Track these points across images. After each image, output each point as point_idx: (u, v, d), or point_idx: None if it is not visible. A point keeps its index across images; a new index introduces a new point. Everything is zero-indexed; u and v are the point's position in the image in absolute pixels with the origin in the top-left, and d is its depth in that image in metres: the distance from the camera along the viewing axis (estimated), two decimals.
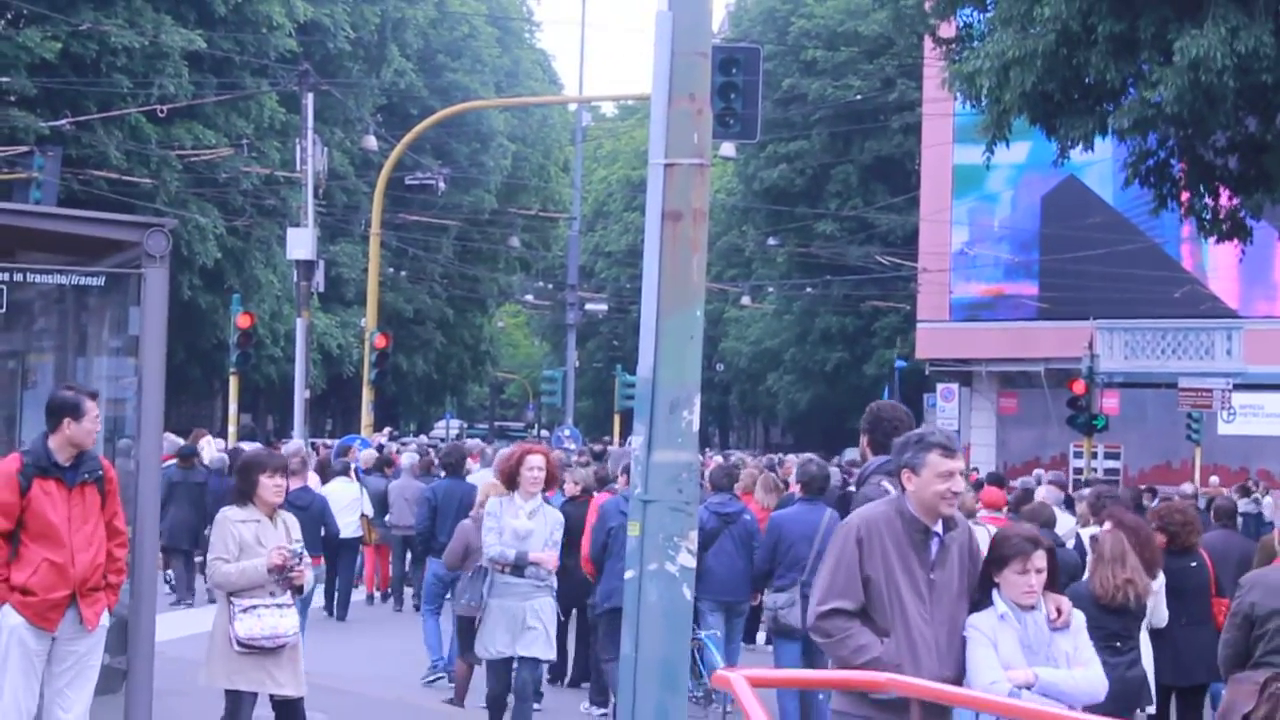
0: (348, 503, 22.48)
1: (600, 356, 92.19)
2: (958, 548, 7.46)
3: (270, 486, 11.07)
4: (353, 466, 24.80)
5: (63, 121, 40.05)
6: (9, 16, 43.76)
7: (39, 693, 9.77)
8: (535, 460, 12.97)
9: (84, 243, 10.80)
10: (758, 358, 78.59)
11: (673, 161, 10.04)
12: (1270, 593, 9.14)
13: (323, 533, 17.07)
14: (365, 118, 56.33)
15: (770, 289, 75.15)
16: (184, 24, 45.97)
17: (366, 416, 35.70)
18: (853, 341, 69.32)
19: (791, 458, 34.68)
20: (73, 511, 9.71)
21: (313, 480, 19.88)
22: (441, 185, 52.78)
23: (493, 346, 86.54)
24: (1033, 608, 7.41)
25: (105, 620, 9.92)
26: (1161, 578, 11.53)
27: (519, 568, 12.78)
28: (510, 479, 13.05)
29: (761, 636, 17.82)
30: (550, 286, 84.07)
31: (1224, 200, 22.69)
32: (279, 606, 10.84)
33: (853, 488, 10.79)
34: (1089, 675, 7.42)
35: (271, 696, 11.07)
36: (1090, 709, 7.19)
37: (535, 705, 13.53)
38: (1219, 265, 47.18)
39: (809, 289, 69.66)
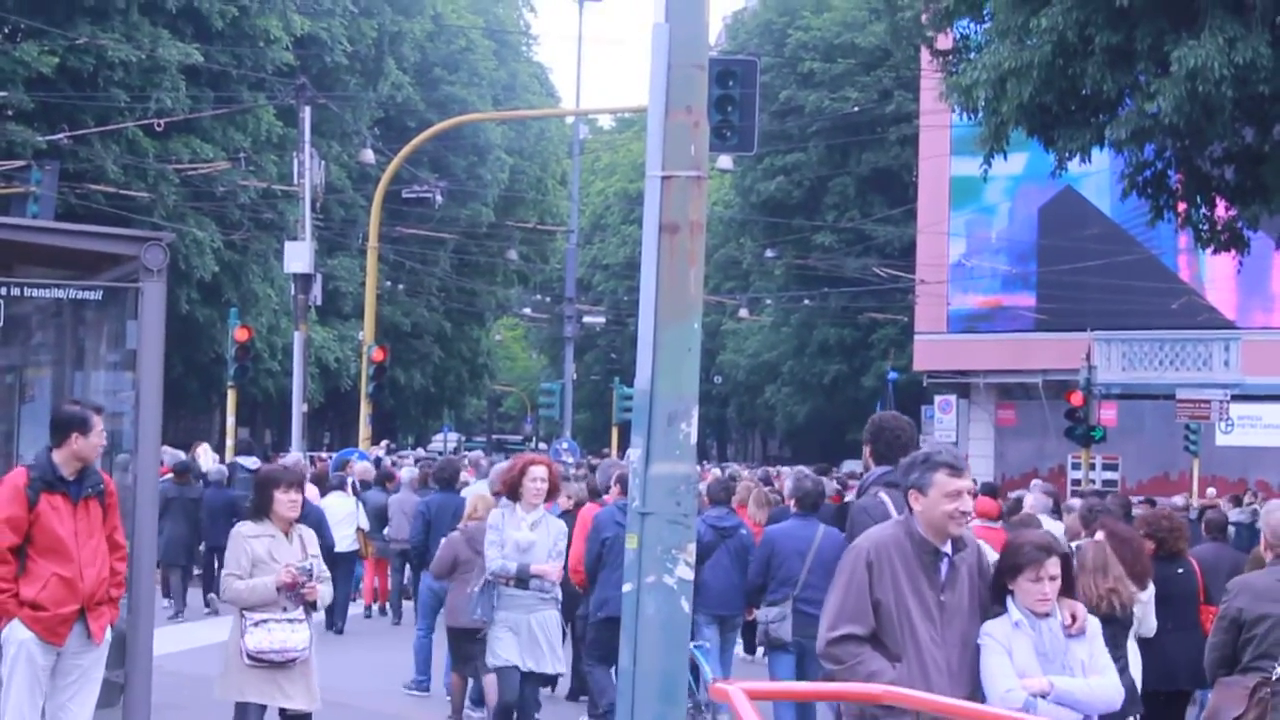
0: (343, 516, 22.51)
1: (598, 369, 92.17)
2: (967, 568, 7.38)
3: (285, 501, 11.06)
4: (349, 481, 24.81)
5: (60, 136, 40.02)
6: (6, 31, 43.80)
7: (41, 708, 9.77)
8: (538, 471, 12.90)
9: (81, 257, 10.79)
10: (756, 370, 78.58)
11: (670, 174, 10.03)
12: (1257, 598, 9.16)
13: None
14: (362, 131, 56.34)
15: (768, 301, 75.19)
16: (181, 38, 45.95)
17: (364, 430, 35.68)
18: (851, 353, 69.32)
19: (786, 470, 34.67)
20: (79, 526, 9.72)
21: (311, 493, 19.90)
22: (439, 198, 52.75)
23: (490, 359, 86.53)
24: (1047, 615, 7.35)
25: (108, 634, 9.94)
26: (1151, 588, 11.51)
27: (522, 580, 12.74)
28: (512, 490, 12.96)
29: (761, 649, 17.82)
30: (548, 299, 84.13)
31: (1220, 211, 22.71)
32: (290, 621, 10.84)
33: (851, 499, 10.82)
34: (1105, 683, 7.36)
35: (282, 710, 11.07)
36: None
37: (536, 717, 13.51)
38: (1216, 276, 47.21)
39: (807, 301, 69.68)
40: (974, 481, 8.62)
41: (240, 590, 10.86)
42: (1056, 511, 18.98)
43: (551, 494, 13.29)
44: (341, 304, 60.58)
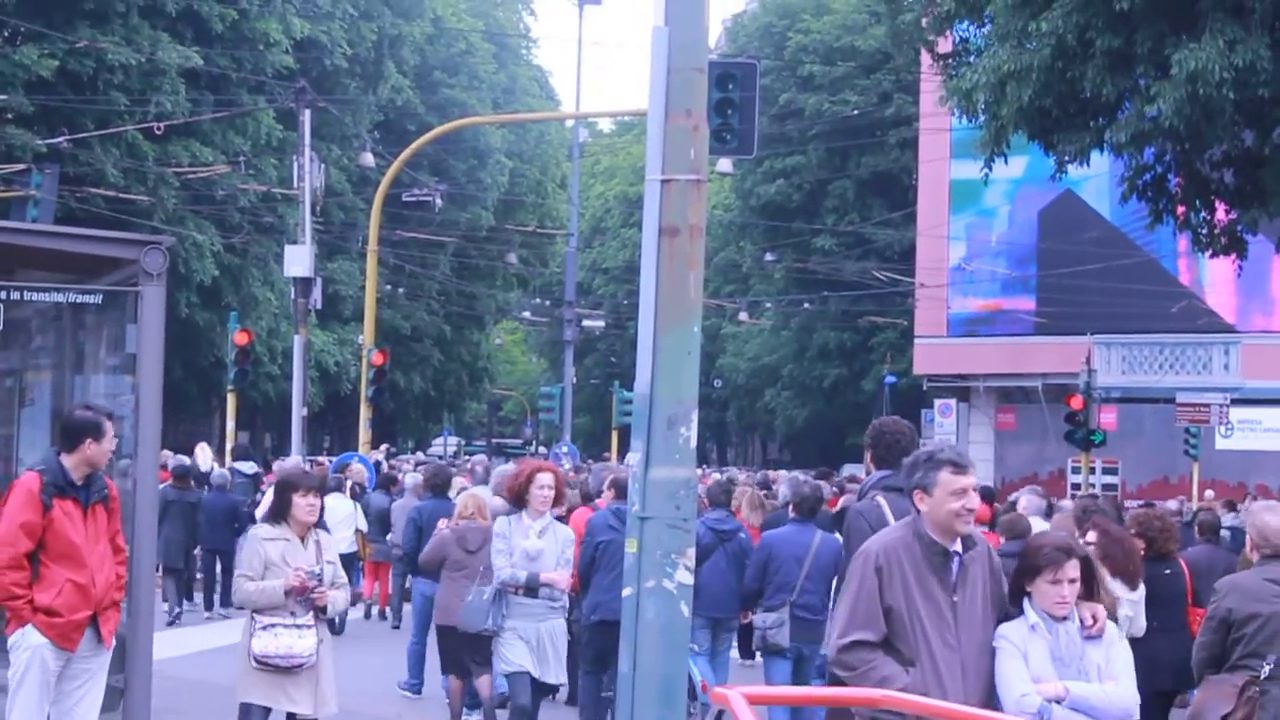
0: (342, 518, 22.53)
1: (598, 373, 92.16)
2: (979, 567, 7.30)
3: (304, 506, 11.08)
4: (348, 484, 24.83)
5: (60, 139, 40.02)
6: (5, 34, 43.77)
7: (47, 713, 9.77)
8: (545, 478, 12.85)
9: (81, 261, 10.78)
10: (755, 374, 78.56)
11: (670, 177, 10.03)
12: (1246, 597, 9.21)
13: None
14: (362, 134, 56.32)
15: (768, 305, 75.15)
16: (181, 41, 45.98)
17: (364, 434, 35.64)
18: (851, 357, 69.31)
19: (782, 474, 34.64)
20: (89, 531, 9.71)
21: None
22: (438, 202, 52.75)
23: (490, 363, 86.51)
24: (1065, 619, 7.26)
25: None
26: (1142, 588, 11.52)
27: (532, 589, 12.71)
28: (519, 497, 12.93)
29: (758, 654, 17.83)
30: (548, 303, 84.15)
31: (1220, 215, 22.70)
32: (298, 627, 10.85)
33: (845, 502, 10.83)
34: (1121, 690, 7.27)
35: (290, 715, 11.10)
36: None
37: None
38: (1216, 280, 47.17)
39: (806, 305, 69.67)
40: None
41: (250, 592, 10.90)
42: (1049, 515, 18.99)
43: (558, 501, 13.27)
44: (341, 307, 60.60)
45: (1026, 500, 19.04)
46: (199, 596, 25.15)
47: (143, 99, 44.29)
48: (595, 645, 13.64)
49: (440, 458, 53.44)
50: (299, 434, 35.65)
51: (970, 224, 52.53)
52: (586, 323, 73.58)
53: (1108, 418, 41.65)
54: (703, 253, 10.24)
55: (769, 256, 69.87)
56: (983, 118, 21.07)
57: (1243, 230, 22.58)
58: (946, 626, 7.15)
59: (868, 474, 9.46)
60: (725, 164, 49.65)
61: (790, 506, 15.62)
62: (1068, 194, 46.63)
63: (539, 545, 12.75)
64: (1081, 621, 7.33)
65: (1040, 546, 7.39)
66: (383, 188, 38.18)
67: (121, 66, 43.78)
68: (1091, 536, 10.99)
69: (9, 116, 42.19)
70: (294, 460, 29.90)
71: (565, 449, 48.78)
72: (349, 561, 23.13)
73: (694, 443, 10.00)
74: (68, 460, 9.68)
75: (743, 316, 74.61)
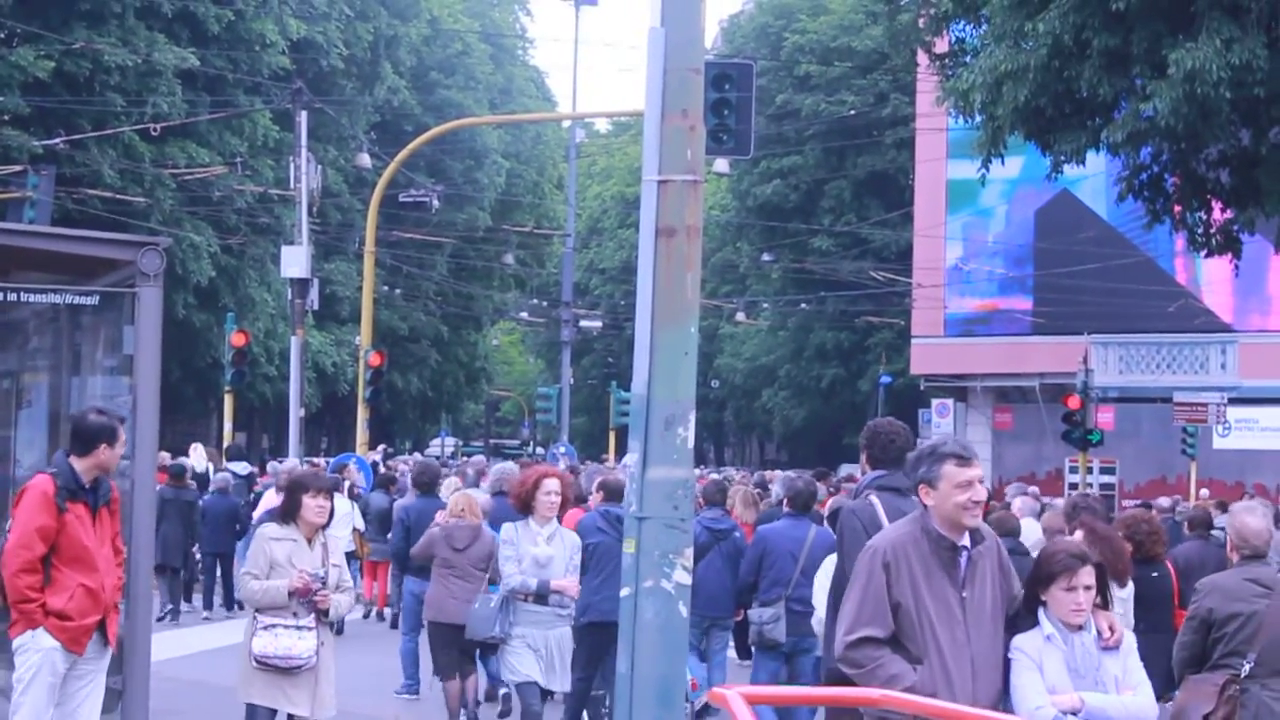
0: (339, 517, 22.47)
1: (595, 373, 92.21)
2: (988, 562, 7.23)
3: (313, 507, 11.12)
4: (346, 484, 24.86)
5: (56, 140, 39.98)
6: (2, 35, 43.75)
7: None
8: (551, 484, 12.83)
9: (78, 262, 10.79)
10: (753, 374, 78.55)
11: (666, 178, 10.03)
12: (1227, 597, 9.27)
13: None
14: (359, 135, 56.33)
15: (765, 305, 75.13)
16: (177, 42, 45.93)
17: (362, 434, 35.61)
18: (848, 357, 69.32)
19: (777, 473, 34.66)
20: (97, 534, 9.71)
21: None
22: (435, 203, 52.75)
23: (488, 364, 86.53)
24: (1081, 628, 7.17)
25: None
26: (1131, 586, 11.54)
27: (542, 596, 12.68)
28: (525, 504, 12.92)
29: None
30: (545, 304, 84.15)
31: (1216, 214, 22.70)
32: (298, 629, 10.89)
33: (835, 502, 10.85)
34: (1139, 701, 7.18)
35: (290, 715, 11.14)
36: None
37: None
38: (1213, 279, 47.14)
39: (803, 305, 69.66)
40: None
41: (254, 590, 10.96)
42: (1041, 516, 19.05)
43: (564, 506, 13.24)
44: (338, 308, 60.58)
45: (1021, 502, 19.10)
46: (198, 599, 25.20)
47: (139, 100, 44.26)
48: (586, 646, 13.65)
49: (437, 458, 53.44)
50: (296, 435, 35.63)
51: (967, 224, 52.53)
52: (584, 323, 73.54)
53: (1105, 417, 41.66)
54: (700, 253, 10.23)
55: (766, 257, 69.89)
56: (979, 118, 21.07)
57: (1239, 230, 22.58)
58: (956, 623, 7.09)
59: (863, 474, 9.46)
60: (722, 164, 49.61)
61: (784, 501, 15.69)
62: (1064, 194, 46.64)
63: (549, 552, 12.74)
64: (1099, 632, 7.24)
65: (1054, 554, 7.31)
66: (379, 188, 38.15)
67: (118, 68, 43.76)
68: (1078, 535, 11.00)
69: (5, 118, 42.16)
70: (291, 462, 29.90)
71: (563, 449, 48.76)
72: (346, 561, 23.16)
73: (691, 443, 10.00)
74: (79, 464, 9.65)
75: (740, 317, 74.62)
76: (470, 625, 13.39)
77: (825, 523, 14.58)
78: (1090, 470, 43.10)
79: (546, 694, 13.60)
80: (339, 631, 22.03)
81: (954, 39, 24.41)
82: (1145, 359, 49.11)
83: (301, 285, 35.71)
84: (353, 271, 57.68)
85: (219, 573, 24.67)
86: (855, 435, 9.53)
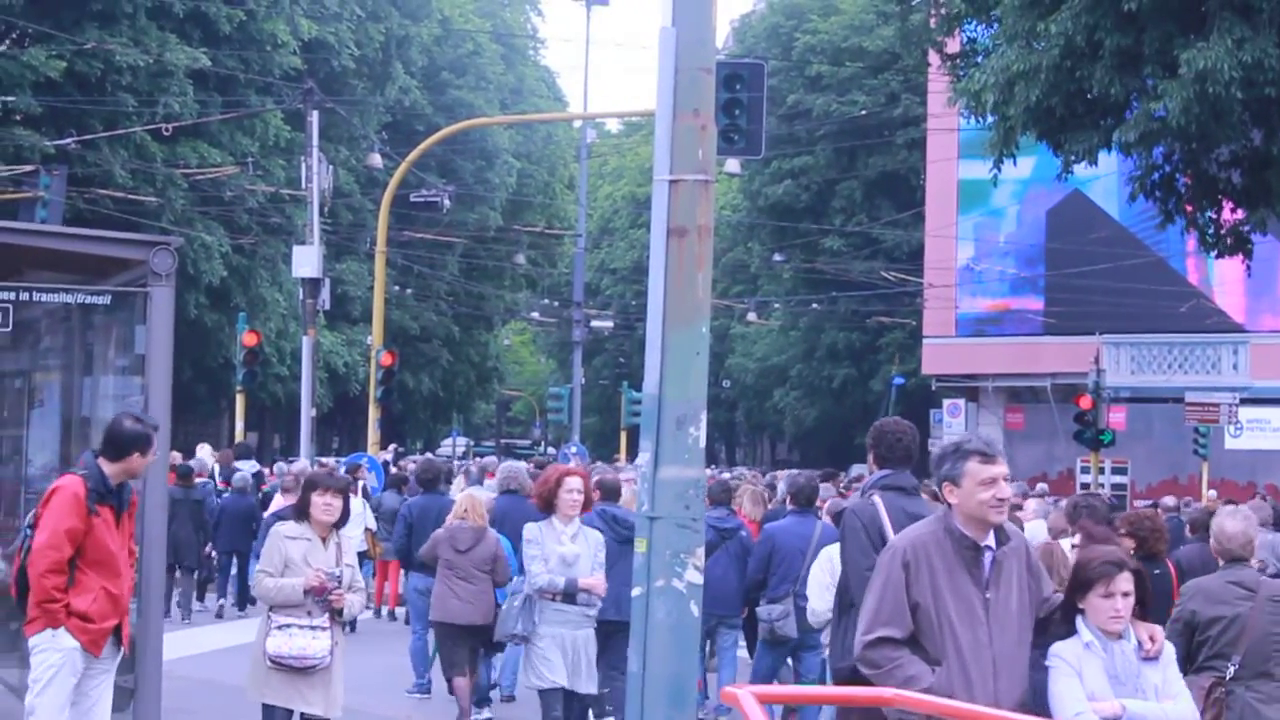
0: (352, 517, 22.52)
1: (606, 373, 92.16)
2: (1014, 562, 7.13)
3: (321, 505, 11.17)
4: (360, 484, 24.94)
5: (68, 140, 40.07)
6: (14, 36, 43.82)
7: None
8: (574, 483, 12.82)
9: (90, 261, 10.81)
10: (764, 374, 78.44)
11: (677, 178, 10.03)
12: (1210, 600, 9.28)
13: None
14: (370, 135, 56.33)
15: (776, 305, 75.04)
16: (189, 42, 45.98)
17: (373, 434, 35.61)
18: (859, 357, 69.22)
19: (783, 473, 34.69)
20: (119, 538, 9.73)
21: None
22: (446, 203, 52.68)
23: (499, 364, 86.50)
24: (1120, 636, 7.07)
25: None
26: None
27: (569, 595, 12.64)
28: (548, 503, 12.89)
29: None
30: (556, 304, 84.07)
31: (1227, 214, 22.68)
32: (313, 629, 10.94)
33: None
34: (1180, 709, 7.07)
35: (302, 714, 11.18)
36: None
37: None
38: (1225, 279, 47.13)
39: (815, 305, 69.53)
40: None
41: (270, 588, 11.02)
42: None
43: (586, 505, 13.21)
44: (350, 308, 60.58)
45: (1036, 503, 19.12)
46: (209, 599, 25.31)
47: (151, 100, 44.31)
48: None
49: (449, 458, 53.46)
50: (308, 435, 35.64)
51: (978, 224, 52.49)
52: (595, 323, 73.53)
53: (1116, 417, 41.64)
54: (711, 253, 10.23)
55: (777, 257, 69.78)
56: (991, 118, 21.08)
57: (1250, 230, 22.56)
58: (978, 624, 7.00)
59: (870, 473, 9.47)
60: (733, 164, 49.53)
61: (788, 499, 15.76)
62: (1076, 194, 46.63)
63: (575, 550, 12.71)
64: (1139, 642, 7.14)
65: (1090, 560, 7.21)
66: (390, 188, 38.13)
67: (129, 68, 43.80)
68: (1076, 539, 10.99)
69: (17, 118, 42.25)
70: (301, 463, 29.94)
71: (574, 449, 48.75)
72: (358, 560, 23.20)
73: (703, 443, 10.01)
74: (109, 468, 9.63)
75: (751, 317, 74.49)
76: (497, 627, 13.38)
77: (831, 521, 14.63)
78: (1102, 470, 43.12)
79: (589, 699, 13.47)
80: (351, 629, 22.16)
81: (965, 39, 24.42)
82: (1157, 359, 49.08)
83: (313, 285, 35.72)
84: (364, 271, 57.66)
85: (234, 571, 24.84)
86: (866, 435, 9.50)
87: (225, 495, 25.72)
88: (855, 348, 69.09)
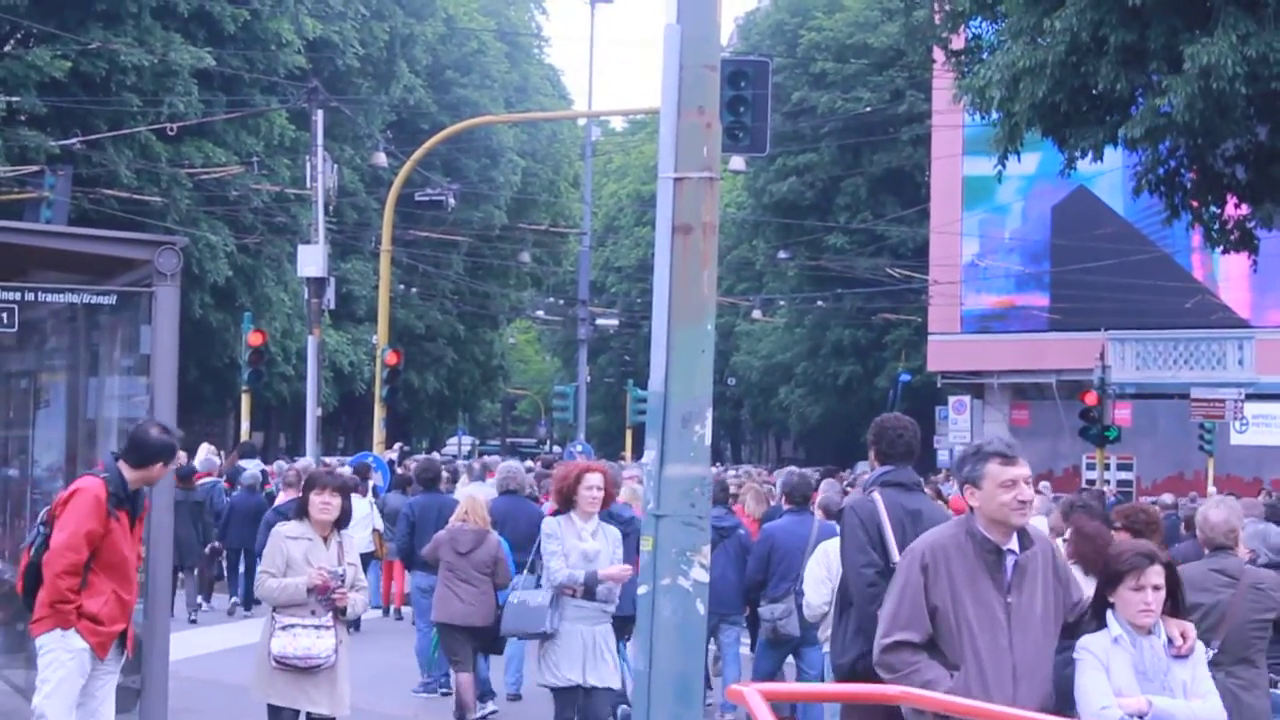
0: (359, 518, 22.54)
1: (612, 371, 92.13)
2: (1039, 567, 7.05)
3: (318, 504, 11.17)
4: (369, 484, 25.01)
5: (73, 140, 40.07)
6: (19, 36, 43.84)
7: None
8: (594, 479, 12.67)
9: (95, 261, 10.81)
10: (769, 371, 78.40)
11: (682, 175, 10.02)
12: (1192, 587, 9.22)
13: None
14: (375, 134, 56.34)
15: (781, 302, 74.99)
16: (193, 42, 45.94)
17: (378, 433, 35.62)
18: (864, 354, 69.16)
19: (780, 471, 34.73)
20: (131, 544, 9.75)
21: None
22: (451, 201, 52.70)
23: (504, 362, 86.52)
24: (1150, 631, 7.03)
25: None
26: None
27: (589, 591, 12.57)
28: (567, 499, 12.81)
29: None
30: (561, 302, 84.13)
31: (1231, 210, 22.67)
32: (317, 628, 10.94)
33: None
34: (1208, 707, 7.02)
35: (308, 714, 11.18)
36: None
37: None
38: (1230, 275, 47.13)
39: (820, 302, 69.49)
40: None
41: (272, 588, 11.02)
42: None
43: (607, 501, 13.13)
44: (355, 307, 60.59)
45: (1039, 500, 19.13)
46: (217, 599, 25.40)
47: (155, 100, 44.29)
48: None
49: (454, 457, 53.43)
50: (313, 434, 35.66)
51: (983, 220, 52.48)
52: (600, 321, 73.50)
53: (1122, 414, 41.65)
54: (716, 250, 10.23)
55: (782, 254, 69.77)
56: (996, 114, 21.07)
57: (1256, 225, 22.55)
58: (999, 628, 6.93)
59: (872, 470, 9.48)
60: (738, 162, 49.60)
61: (783, 498, 15.81)
62: (1081, 190, 46.63)
63: (596, 546, 12.57)
64: (1170, 639, 7.10)
65: (1120, 553, 7.18)
66: (395, 187, 38.15)
67: (134, 67, 43.77)
68: (1068, 534, 10.99)
69: (22, 118, 42.25)
70: (305, 461, 29.97)
71: (580, 448, 48.70)
72: (365, 561, 23.23)
73: (709, 440, 10.00)
74: (129, 473, 9.66)
75: (756, 314, 74.44)
76: (522, 625, 13.18)
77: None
78: (1107, 467, 43.09)
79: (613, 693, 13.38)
80: (356, 629, 22.18)
81: (970, 35, 24.40)
82: (1162, 355, 49.06)
83: (318, 284, 35.74)
84: (369, 270, 57.67)
85: (243, 568, 24.91)
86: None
87: (234, 493, 25.90)
88: (860, 345, 69.02)
